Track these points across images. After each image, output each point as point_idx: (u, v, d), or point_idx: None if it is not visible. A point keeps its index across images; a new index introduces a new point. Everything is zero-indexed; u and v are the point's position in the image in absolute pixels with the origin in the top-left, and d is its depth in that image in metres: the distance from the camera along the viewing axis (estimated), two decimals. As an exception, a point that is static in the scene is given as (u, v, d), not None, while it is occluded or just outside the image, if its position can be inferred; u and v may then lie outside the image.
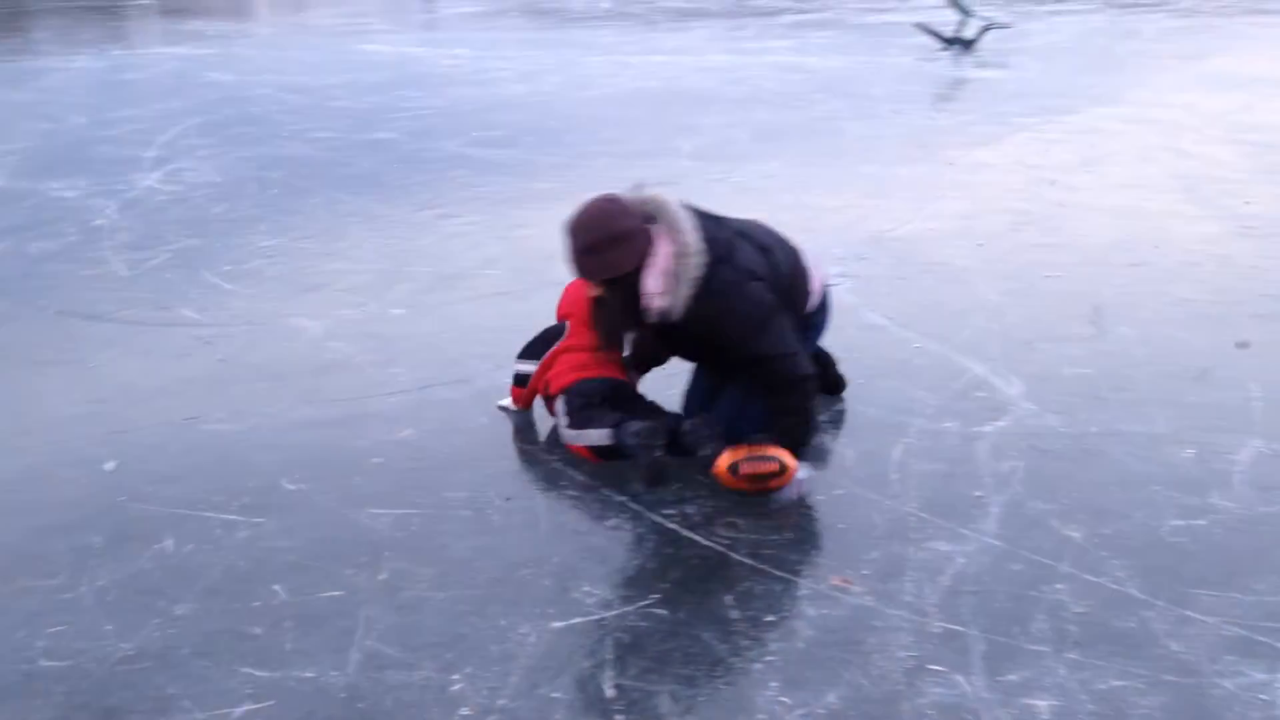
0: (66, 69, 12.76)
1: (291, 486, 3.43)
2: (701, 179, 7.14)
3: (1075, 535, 3.03)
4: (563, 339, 3.75)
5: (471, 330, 4.70)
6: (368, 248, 5.90)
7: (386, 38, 15.94)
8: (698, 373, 3.68)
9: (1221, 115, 8.80)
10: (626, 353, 3.64)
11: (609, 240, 3.19)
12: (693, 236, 3.20)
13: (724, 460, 3.22)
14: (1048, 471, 3.38)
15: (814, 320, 3.64)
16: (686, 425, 3.36)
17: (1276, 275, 5.10)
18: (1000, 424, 3.70)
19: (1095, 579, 2.84)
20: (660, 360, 3.79)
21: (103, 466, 3.55)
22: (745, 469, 3.19)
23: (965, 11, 13.27)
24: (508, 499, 3.33)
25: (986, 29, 13.19)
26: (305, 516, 3.26)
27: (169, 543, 3.11)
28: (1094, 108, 9.25)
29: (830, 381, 3.87)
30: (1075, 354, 4.24)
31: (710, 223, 3.32)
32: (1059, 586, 2.81)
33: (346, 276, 5.42)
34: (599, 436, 3.45)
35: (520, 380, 3.82)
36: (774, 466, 3.18)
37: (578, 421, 3.51)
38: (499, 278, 5.39)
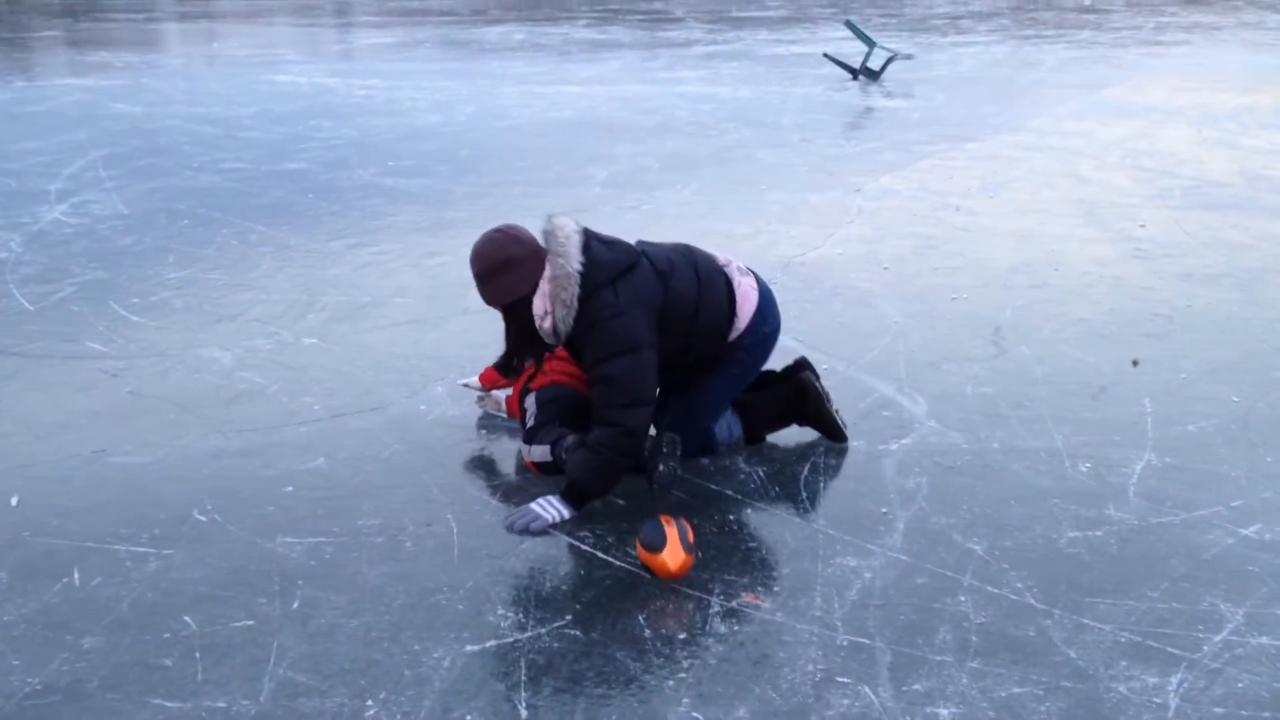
0: (-35, 100, 12.47)
1: (202, 517, 3.40)
2: (614, 207, 7.23)
3: (977, 548, 3.13)
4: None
5: (385, 359, 4.69)
6: (279, 278, 5.86)
7: (298, 68, 15.84)
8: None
9: (1118, 142, 9.12)
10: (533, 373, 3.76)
11: (497, 267, 3.35)
12: (574, 262, 3.30)
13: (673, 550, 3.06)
14: (951, 487, 3.49)
15: (743, 344, 3.62)
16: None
17: (1166, 295, 5.31)
18: (905, 442, 3.81)
19: (996, 590, 2.93)
20: None
21: (8, 501, 3.48)
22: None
23: (869, 42, 13.58)
24: (428, 524, 3.33)
25: (891, 60, 13.52)
26: (216, 547, 3.23)
27: (75, 576, 3.07)
28: (995, 135, 9.53)
29: (828, 423, 3.81)
30: (977, 373, 4.37)
31: (603, 247, 3.39)
32: (961, 598, 2.90)
33: (257, 307, 5.38)
34: (540, 453, 3.55)
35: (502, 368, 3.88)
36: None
37: (532, 431, 3.64)
38: (411, 306, 5.39)
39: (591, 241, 3.39)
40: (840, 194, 7.48)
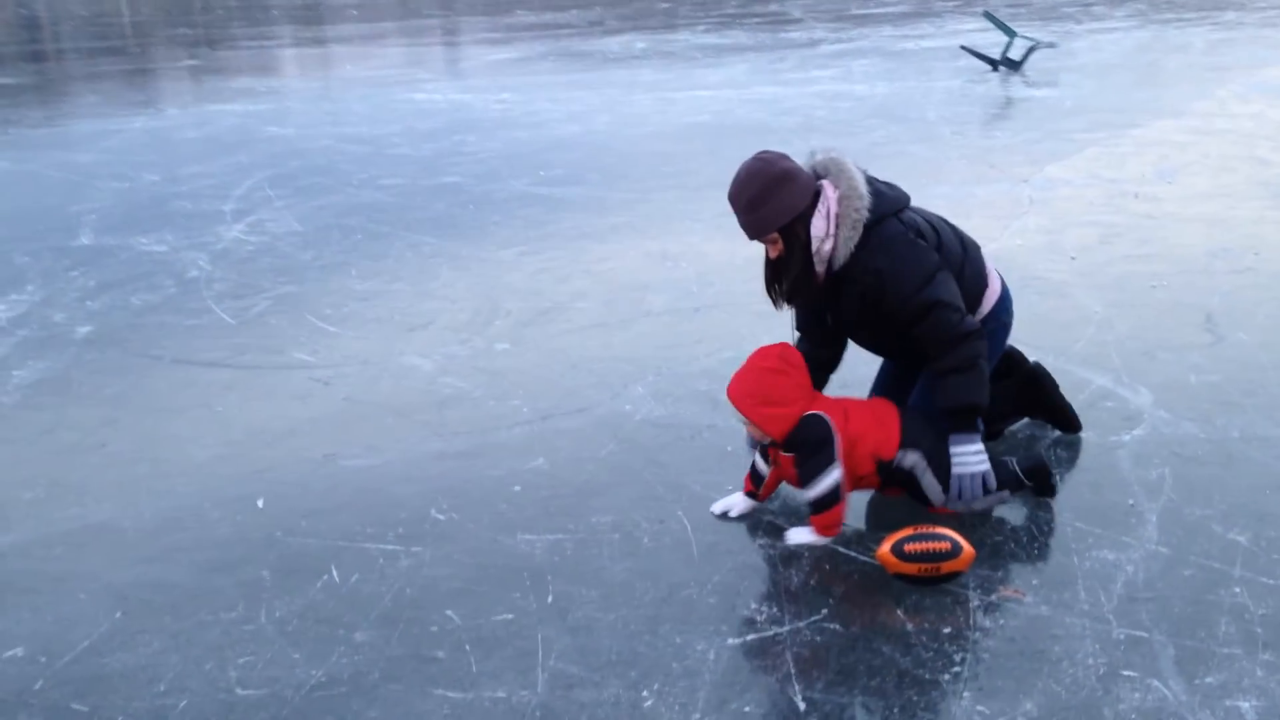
0: (127, 129, 12.99)
1: (440, 516, 3.47)
2: (776, 207, 7.18)
3: (1241, 539, 3.03)
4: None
5: (579, 361, 4.74)
6: (459, 287, 5.97)
7: (432, 85, 16.16)
8: (884, 365, 3.67)
9: (1290, 123, 8.78)
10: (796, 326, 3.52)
11: (773, 183, 3.16)
12: (862, 186, 3.19)
13: (889, 540, 2.97)
14: (1197, 478, 3.38)
15: (986, 327, 3.44)
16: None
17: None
18: (1137, 433, 3.71)
19: (1272, 581, 2.83)
20: (835, 354, 3.61)
21: (255, 504, 3.60)
22: (912, 548, 2.91)
23: (1009, 32, 13.31)
24: (661, 522, 3.35)
25: (1033, 49, 13.23)
26: (460, 544, 3.30)
27: (335, 574, 3.16)
28: (1158, 120, 9.25)
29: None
30: (1198, 362, 4.24)
31: (883, 184, 3.31)
32: (1236, 590, 2.81)
33: (445, 315, 5.48)
34: (994, 499, 3.28)
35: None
36: (945, 545, 2.90)
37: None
38: (592, 309, 5.44)
39: (870, 176, 3.31)
40: (1007, 185, 7.33)
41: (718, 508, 3.40)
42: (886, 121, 10.37)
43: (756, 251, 6.34)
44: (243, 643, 2.86)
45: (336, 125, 12.23)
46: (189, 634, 2.91)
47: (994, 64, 13.25)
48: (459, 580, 3.10)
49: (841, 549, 3.16)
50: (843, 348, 3.62)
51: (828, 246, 3.20)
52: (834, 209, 3.18)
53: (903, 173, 7.98)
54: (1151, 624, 2.69)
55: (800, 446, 3.18)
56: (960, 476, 3.19)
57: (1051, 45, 13.52)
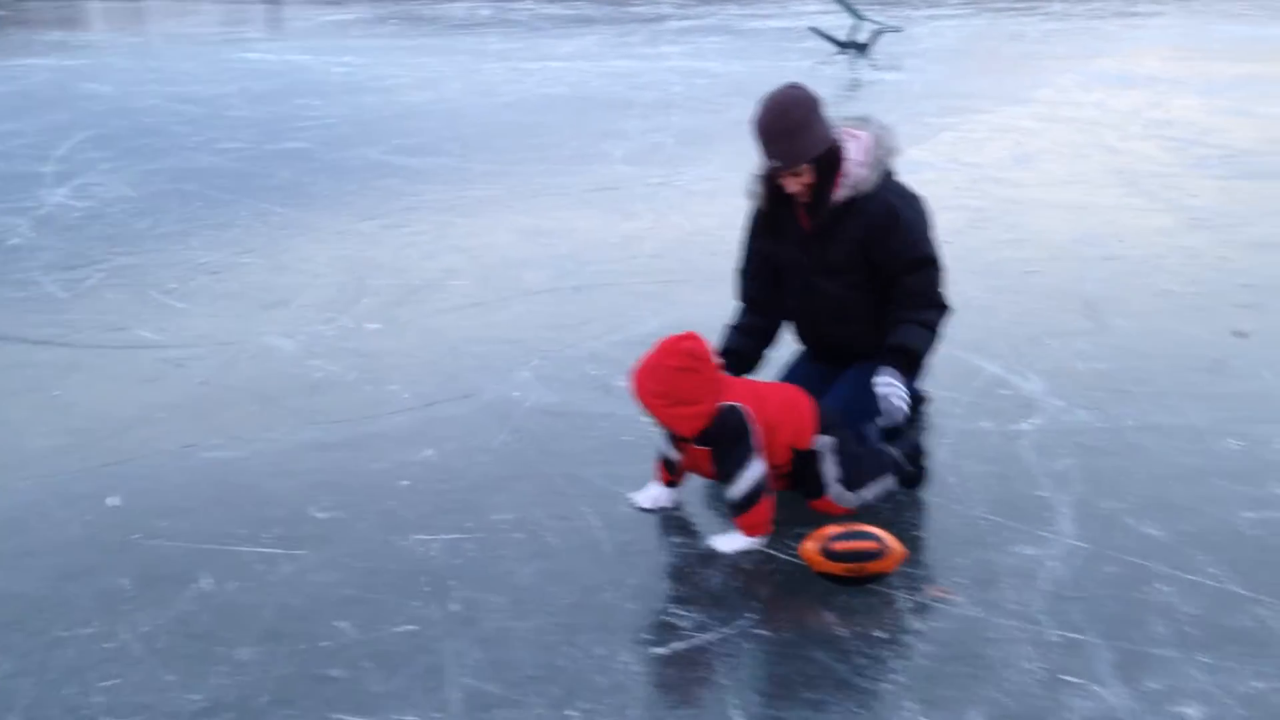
0: (-74, 79, 11.95)
1: (321, 515, 3.18)
2: (642, 184, 7.02)
3: (1156, 533, 3.00)
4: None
5: (459, 343, 4.48)
6: (318, 260, 5.61)
7: (266, 45, 15.42)
8: (798, 365, 3.57)
9: (1134, 112, 9.07)
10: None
11: (805, 118, 3.16)
12: (890, 134, 3.30)
13: (814, 537, 2.82)
14: (1102, 469, 3.36)
15: None
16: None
17: (1244, 264, 5.23)
18: (1035, 421, 3.67)
19: (1194, 578, 2.80)
20: (774, 325, 3.54)
21: (105, 502, 3.23)
22: (840, 546, 2.76)
23: (857, 16, 13.46)
24: (564, 518, 3.14)
25: (880, 33, 13.41)
26: (347, 546, 3.02)
27: (207, 581, 2.84)
28: (1006, 107, 9.45)
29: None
30: (1083, 348, 4.25)
31: None
32: (1161, 588, 2.76)
33: (305, 291, 5.13)
34: (881, 489, 3.18)
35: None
36: (873, 545, 2.76)
37: (855, 480, 3.13)
38: (466, 288, 5.17)
39: None
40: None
41: (642, 501, 3.20)
42: (745, 99, 10.24)
43: (633, 229, 6.16)
44: (106, 663, 2.52)
45: (163, 84, 11.49)
46: (41, 653, 2.56)
47: (842, 46, 13.38)
48: (349, 587, 2.83)
49: (763, 549, 3.00)
50: (780, 320, 3.53)
51: (862, 173, 3.21)
52: (868, 143, 3.23)
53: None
54: (1084, 625, 2.63)
55: (717, 441, 3.01)
56: (886, 396, 3.16)
57: (897, 30, 13.73)
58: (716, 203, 6.58)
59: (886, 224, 3.22)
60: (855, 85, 11.44)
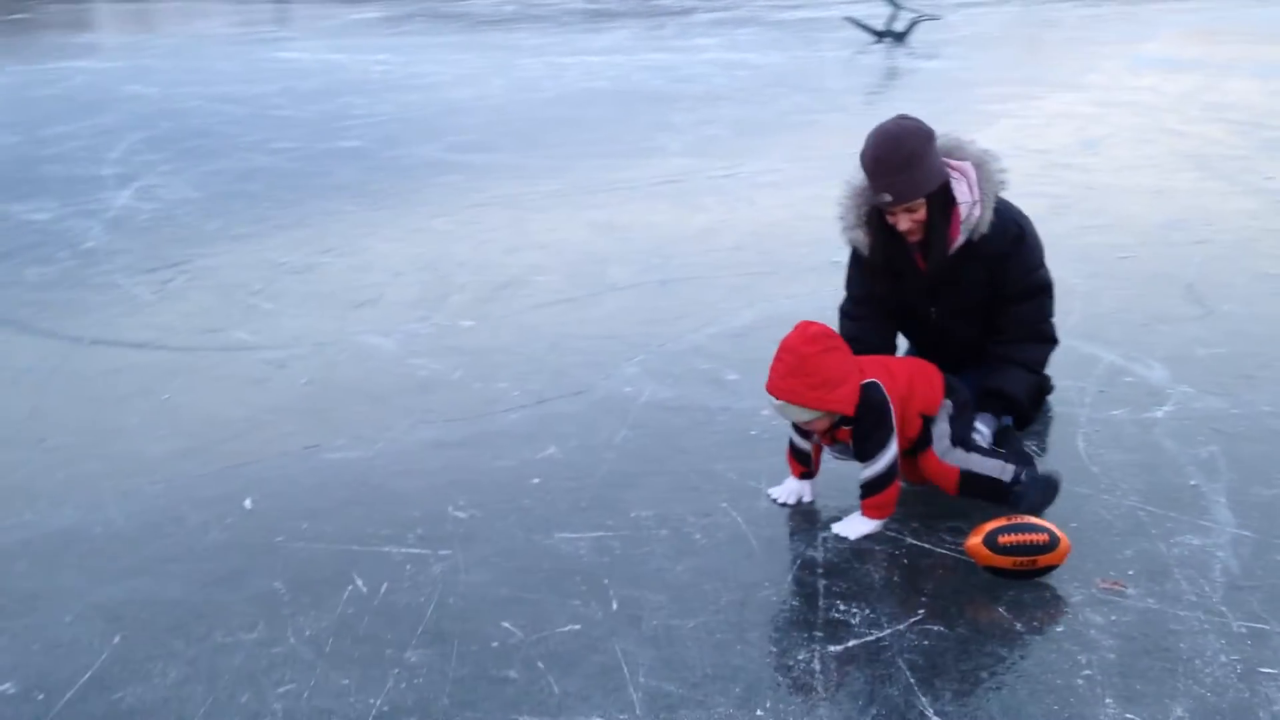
0: (-32, 85, 11.95)
1: (461, 514, 3.14)
2: (705, 177, 6.97)
3: (1317, 518, 2.94)
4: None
5: (558, 339, 4.43)
6: (397, 258, 5.57)
7: (298, 45, 15.40)
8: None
9: (1189, 96, 8.99)
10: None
11: (919, 151, 2.99)
12: (996, 156, 3.18)
13: (979, 531, 2.75)
14: (1246, 455, 3.30)
15: None
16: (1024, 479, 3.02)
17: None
18: (1168, 409, 3.61)
19: (1369, 561, 2.74)
20: (887, 340, 3.47)
21: (242, 504, 3.19)
22: (1007, 539, 2.70)
23: (895, 4, 13.37)
24: (707, 515, 3.09)
25: (917, 21, 13.32)
26: (493, 545, 2.98)
27: (360, 583, 2.80)
28: (1059, 94, 9.37)
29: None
30: (1199, 334, 4.19)
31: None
32: (1339, 573, 2.71)
33: (391, 289, 5.09)
34: (996, 468, 3.01)
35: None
36: (1043, 538, 2.70)
37: (964, 440, 3.06)
38: (554, 283, 5.13)
39: None
40: (939, 156, 7.27)
41: (781, 497, 3.16)
42: (790, 90, 10.27)
43: (707, 222, 6.10)
44: (277, 668, 2.49)
45: (206, 85, 11.47)
46: (208, 660, 2.53)
47: (879, 35, 13.30)
48: (505, 587, 2.79)
49: (911, 540, 2.96)
50: (895, 336, 3.47)
51: (976, 213, 3.09)
52: (974, 176, 3.09)
53: (825, 143, 7.89)
54: (1267, 615, 2.57)
55: (862, 419, 2.96)
56: (967, 440, 3.06)
57: (935, 18, 13.65)
58: (784, 194, 6.54)
59: (1008, 251, 3.16)
60: (901, 73, 11.37)
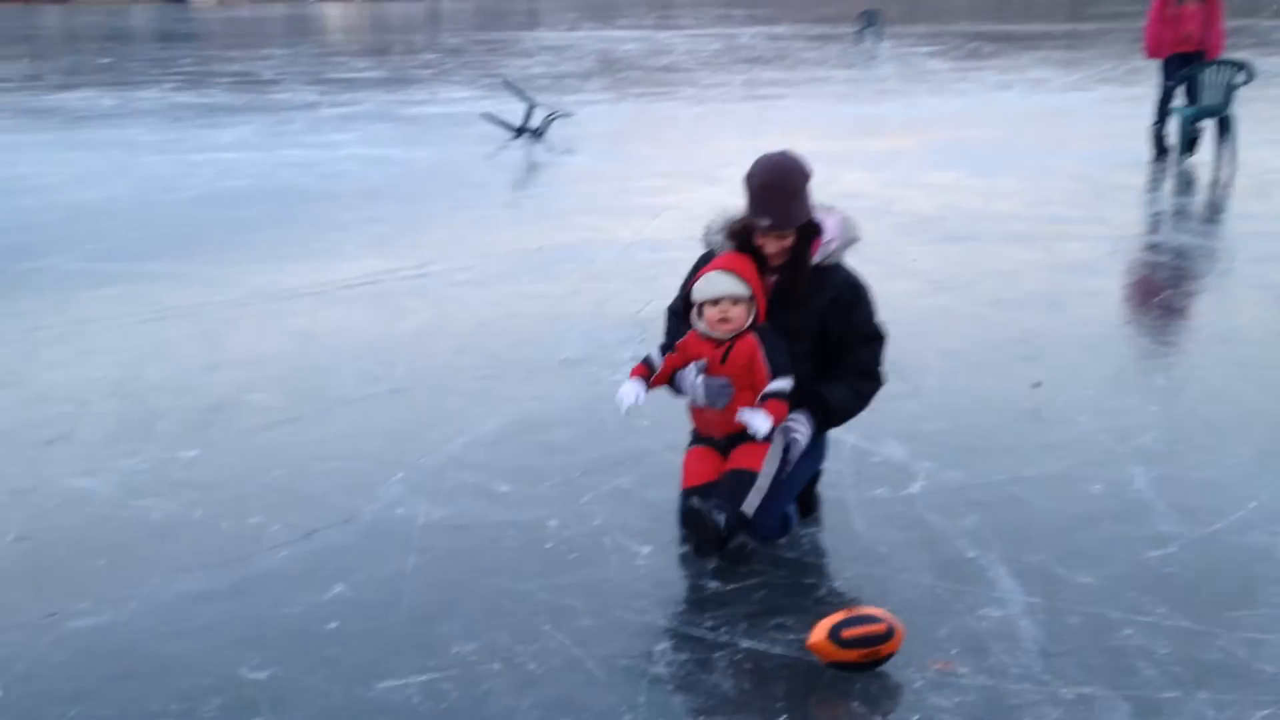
0: None
1: (259, 675, 2.82)
2: (399, 277, 6.79)
3: (1089, 580, 3.21)
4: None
5: (304, 463, 4.12)
6: (74, 385, 4.98)
7: None
8: None
9: (820, 187, 9.75)
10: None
11: (802, 185, 3.37)
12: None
13: (821, 628, 2.81)
14: (1003, 523, 3.56)
15: None
16: (695, 502, 3.25)
17: (1001, 320, 5.74)
18: (920, 484, 3.86)
19: (1147, 619, 3.02)
20: None
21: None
22: (850, 633, 2.77)
23: (530, 101, 13.71)
24: (534, 642, 2.95)
25: (552, 118, 13.71)
26: (310, 707, 2.69)
27: (174, 777, 2.43)
28: (705, 187, 9.90)
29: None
30: (915, 410, 4.48)
31: None
32: (1127, 632, 2.96)
33: (81, 421, 4.54)
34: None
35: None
36: (882, 628, 2.79)
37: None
38: (271, 401, 4.76)
39: None
40: (614, 249, 7.48)
41: (620, 397, 3.34)
42: (451, 185, 10.27)
43: (417, 325, 5.92)
44: None
45: None
46: None
47: (517, 131, 13.56)
48: (344, 754, 2.52)
49: (745, 642, 2.96)
50: None
51: (833, 247, 3.41)
52: (839, 219, 3.47)
53: (507, 238, 7.92)
54: (1084, 678, 2.77)
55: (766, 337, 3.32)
56: (791, 430, 3.40)
57: (568, 115, 14.11)
58: (486, 291, 6.48)
59: (852, 298, 3.47)
60: (539, 168, 11.64)
